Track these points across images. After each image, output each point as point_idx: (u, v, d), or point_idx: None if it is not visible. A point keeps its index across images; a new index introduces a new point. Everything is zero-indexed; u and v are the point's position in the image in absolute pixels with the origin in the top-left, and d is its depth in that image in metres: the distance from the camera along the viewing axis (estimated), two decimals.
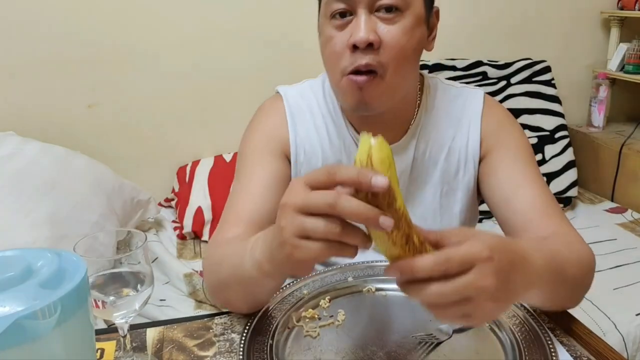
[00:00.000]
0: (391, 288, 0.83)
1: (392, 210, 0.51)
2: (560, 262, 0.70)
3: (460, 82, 1.01)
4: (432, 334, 0.72)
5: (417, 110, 0.93)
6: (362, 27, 0.78)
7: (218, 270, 0.79)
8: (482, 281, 0.52)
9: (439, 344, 0.71)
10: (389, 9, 0.79)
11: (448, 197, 0.95)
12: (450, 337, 0.72)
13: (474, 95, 0.96)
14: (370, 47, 0.79)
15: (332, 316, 0.78)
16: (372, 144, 0.51)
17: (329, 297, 0.82)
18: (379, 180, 0.49)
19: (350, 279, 0.85)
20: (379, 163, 0.50)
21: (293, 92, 0.97)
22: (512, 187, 0.87)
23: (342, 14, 0.81)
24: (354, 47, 0.79)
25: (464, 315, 0.54)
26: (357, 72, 0.80)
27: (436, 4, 0.87)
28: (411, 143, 0.93)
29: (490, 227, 1.76)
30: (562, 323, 0.76)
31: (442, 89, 0.96)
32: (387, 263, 0.55)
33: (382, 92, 0.82)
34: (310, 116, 0.94)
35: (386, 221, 0.50)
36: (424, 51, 0.86)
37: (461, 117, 0.94)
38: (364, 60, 0.79)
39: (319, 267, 0.90)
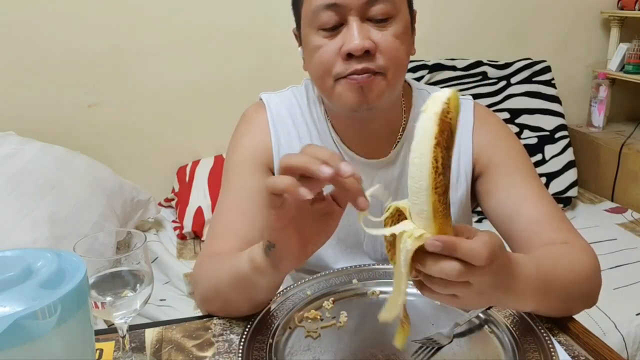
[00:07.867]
0: None
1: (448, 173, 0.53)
2: (548, 272, 0.69)
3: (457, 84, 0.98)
4: (432, 339, 0.72)
5: (404, 119, 0.91)
6: (355, 34, 0.76)
7: (215, 277, 0.79)
8: (487, 276, 0.56)
9: (439, 348, 0.71)
10: (382, 19, 0.78)
11: None
12: (451, 341, 0.72)
13: (463, 108, 0.93)
14: (366, 54, 0.77)
15: (334, 317, 0.77)
16: (448, 93, 0.51)
17: (332, 298, 0.81)
18: (346, 169, 0.55)
19: (354, 281, 0.85)
20: (455, 107, 0.51)
21: (276, 100, 0.95)
22: (514, 204, 0.85)
23: (333, 27, 0.78)
24: (348, 56, 0.77)
25: (453, 296, 0.57)
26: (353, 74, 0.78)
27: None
28: (400, 157, 0.91)
29: (489, 226, 1.75)
30: (560, 322, 0.76)
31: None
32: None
33: (384, 89, 0.80)
34: (293, 126, 0.93)
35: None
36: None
37: None
38: (360, 65, 0.77)
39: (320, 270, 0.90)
